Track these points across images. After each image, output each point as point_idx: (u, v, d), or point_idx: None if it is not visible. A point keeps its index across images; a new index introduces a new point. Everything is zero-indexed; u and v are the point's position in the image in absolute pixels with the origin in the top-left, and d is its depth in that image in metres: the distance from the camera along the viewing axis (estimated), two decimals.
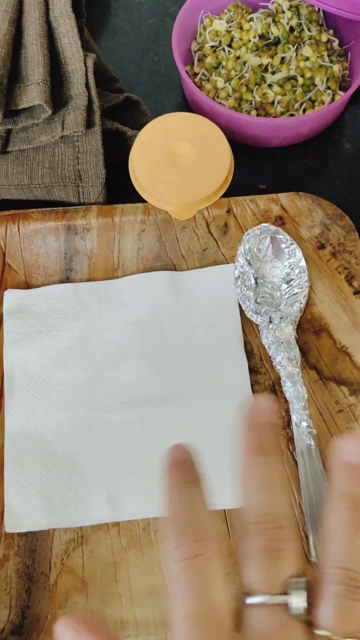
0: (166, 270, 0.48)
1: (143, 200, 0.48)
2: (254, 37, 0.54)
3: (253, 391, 0.44)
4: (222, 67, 0.55)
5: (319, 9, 0.56)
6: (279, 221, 0.48)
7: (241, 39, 0.54)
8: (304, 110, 0.53)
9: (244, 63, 0.54)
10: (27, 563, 0.40)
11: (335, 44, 0.56)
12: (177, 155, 0.47)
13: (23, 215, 0.48)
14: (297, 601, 0.26)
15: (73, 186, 0.48)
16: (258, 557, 0.27)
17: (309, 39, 0.55)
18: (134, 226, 0.48)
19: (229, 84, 0.53)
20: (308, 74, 0.53)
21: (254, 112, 0.53)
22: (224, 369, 0.45)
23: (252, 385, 0.44)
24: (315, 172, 0.54)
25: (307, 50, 0.53)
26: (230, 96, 0.53)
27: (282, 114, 0.53)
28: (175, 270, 0.48)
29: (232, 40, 0.55)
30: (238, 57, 0.54)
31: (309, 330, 0.46)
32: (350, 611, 0.26)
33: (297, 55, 0.54)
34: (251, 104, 0.53)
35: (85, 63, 0.47)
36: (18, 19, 0.47)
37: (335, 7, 0.51)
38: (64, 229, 0.48)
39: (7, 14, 0.46)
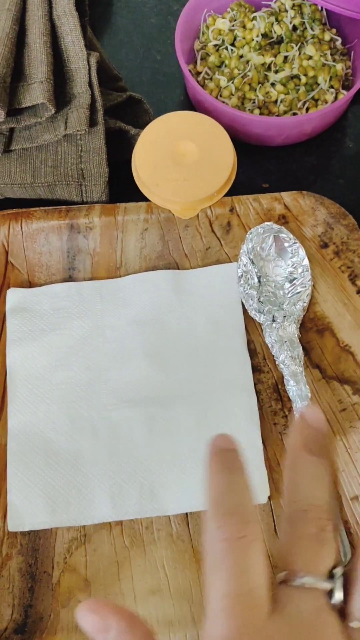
0: (169, 269, 0.48)
1: (146, 199, 0.48)
2: (257, 36, 0.54)
3: (256, 390, 0.44)
4: (225, 65, 0.54)
5: (321, 7, 0.56)
6: (282, 220, 0.48)
7: (244, 38, 0.54)
8: (307, 109, 0.53)
9: (247, 62, 0.54)
10: (30, 562, 0.40)
11: (338, 42, 0.56)
12: (180, 154, 0.47)
13: (26, 214, 0.48)
14: (339, 589, 0.27)
15: (76, 185, 0.48)
16: (306, 541, 0.28)
17: (312, 37, 0.55)
18: (137, 225, 0.48)
19: (232, 82, 0.53)
20: (311, 73, 0.53)
21: (257, 111, 0.53)
22: (226, 368, 0.45)
23: (255, 384, 0.44)
24: (319, 171, 0.54)
25: (310, 49, 0.53)
26: (233, 95, 0.53)
27: (285, 112, 0.53)
28: (178, 269, 0.48)
29: (235, 39, 0.55)
30: (241, 56, 0.54)
31: (312, 329, 0.46)
32: None
33: (300, 54, 0.54)
34: (254, 102, 0.53)
35: (88, 61, 0.47)
36: (21, 18, 0.47)
37: (338, 6, 0.51)
38: (66, 227, 0.48)
39: (11, 13, 0.46)
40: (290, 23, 0.55)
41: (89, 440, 0.42)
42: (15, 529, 0.40)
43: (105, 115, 0.49)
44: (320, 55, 0.53)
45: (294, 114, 0.53)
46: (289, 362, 0.43)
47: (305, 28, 0.55)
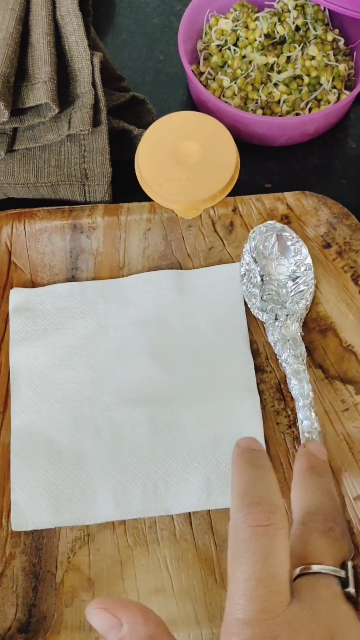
0: (172, 269, 0.48)
1: (149, 199, 0.48)
2: (260, 36, 0.54)
3: (259, 390, 0.44)
4: (228, 66, 0.55)
5: (324, 8, 0.56)
6: (285, 220, 0.48)
7: (247, 38, 0.54)
8: (310, 110, 0.53)
9: (250, 62, 0.54)
10: (34, 561, 0.40)
11: (341, 43, 0.56)
12: (183, 154, 0.47)
13: (29, 214, 0.48)
14: (352, 578, 0.29)
15: (79, 185, 0.48)
16: (318, 537, 0.30)
17: (315, 38, 0.55)
18: (140, 225, 0.48)
19: (235, 83, 0.53)
20: (314, 73, 0.53)
21: (259, 111, 0.53)
22: (229, 368, 0.45)
23: (257, 383, 0.45)
24: (321, 171, 0.54)
25: (312, 50, 0.53)
26: (236, 95, 0.53)
27: (287, 113, 0.53)
28: (181, 269, 0.49)
29: (237, 39, 0.55)
30: (244, 56, 0.54)
31: (315, 329, 0.46)
32: None
33: (302, 54, 0.54)
34: (257, 103, 0.53)
35: (91, 62, 0.47)
36: (25, 18, 0.47)
37: (341, 6, 0.51)
38: (69, 227, 0.48)
39: (15, 13, 0.46)
40: (293, 23, 0.55)
41: (92, 439, 0.43)
42: (18, 528, 0.40)
43: (108, 115, 0.49)
44: (323, 56, 0.53)
45: (297, 114, 0.53)
46: (292, 361, 0.44)
47: (308, 28, 0.55)
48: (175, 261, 0.49)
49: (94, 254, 0.48)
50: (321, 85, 0.53)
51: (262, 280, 0.47)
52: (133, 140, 0.50)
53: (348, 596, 0.29)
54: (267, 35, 0.54)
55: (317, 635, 0.26)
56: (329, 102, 0.53)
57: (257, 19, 0.55)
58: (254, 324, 0.47)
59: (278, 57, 0.54)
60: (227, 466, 0.41)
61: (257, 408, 0.43)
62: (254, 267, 0.47)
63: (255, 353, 0.46)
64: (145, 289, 0.47)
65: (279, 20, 0.55)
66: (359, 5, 0.51)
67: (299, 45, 0.54)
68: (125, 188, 0.49)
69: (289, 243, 0.47)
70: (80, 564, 0.40)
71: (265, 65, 0.54)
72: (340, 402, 0.43)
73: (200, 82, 0.55)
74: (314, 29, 0.55)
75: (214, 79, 0.55)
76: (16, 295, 0.47)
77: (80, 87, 0.47)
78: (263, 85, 0.53)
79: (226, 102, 0.53)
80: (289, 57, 0.54)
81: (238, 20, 0.55)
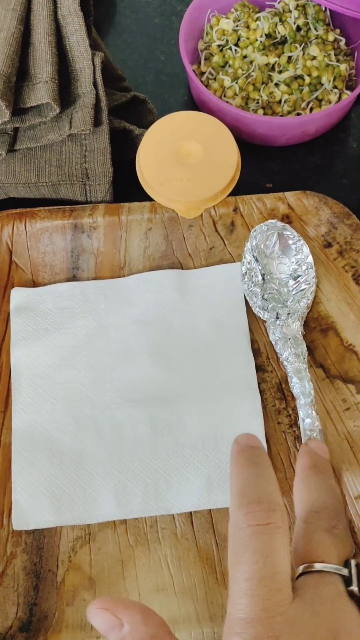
0: (173, 268, 0.48)
1: (150, 199, 0.48)
2: (261, 36, 0.54)
3: (260, 389, 0.44)
4: (229, 66, 0.55)
5: (325, 8, 0.56)
6: (286, 220, 0.48)
7: (248, 38, 0.54)
8: (311, 109, 0.53)
9: (251, 62, 0.54)
10: (35, 560, 0.40)
11: (342, 43, 0.56)
12: (184, 154, 0.47)
13: (30, 214, 0.48)
14: (355, 577, 0.29)
15: (80, 184, 0.48)
16: (321, 535, 0.30)
17: (316, 38, 0.55)
18: (141, 225, 0.48)
19: (236, 82, 0.53)
20: (315, 73, 0.53)
21: (260, 111, 0.53)
22: (230, 367, 0.45)
23: (259, 383, 0.45)
24: (322, 170, 0.54)
25: (313, 50, 0.53)
26: (237, 95, 0.53)
27: (288, 112, 0.53)
28: (182, 268, 0.49)
29: (238, 39, 0.55)
30: (245, 56, 0.54)
31: (316, 328, 0.46)
32: None
33: (303, 54, 0.54)
34: (258, 102, 0.53)
35: (93, 61, 0.47)
36: (26, 18, 0.47)
37: (342, 6, 0.51)
38: (70, 227, 0.48)
39: (16, 13, 0.46)
40: (294, 23, 0.55)
41: (93, 439, 0.43)
42: (20, 527, 0.40)
43: (110, 115, 0.49)
44: (324, 56, 0.53)
45: (298, 114, 0.53)
46: (293, 359, 0.44)
47: (309, 28, 0.55)
48: (176, 261, 0.49)
49: (95, 253, 0.48)
50: (322, 85, 0.53)
51: (263, 279, 0.47)
52: (134, 140, 0.50)
53: (351, 594, 0.28)
54: (268, 35, 0.54)
55: (320, 633, 0.26)
56: (330, 102, 0.53)
57: (258, 19, 0.55)
58: (255, 324, 0.47)
59: (279, 57, 0.54)
60: (228, 465, 0.41)
61: (258, 407, 0.43)
62: (255, 266, 0.47)
63: (256, 352, 0.46)
64: (146, 288, 0.47)
65: (280, 20, 0.55)
66: (359, 5, 0.51)
67: (300, 45, 0.54)
68: (127, 188, 0.49)
69: (290, 242, 0.47)
70: (81, 563, 0.40)
71: (267, 65, 0.54)
72: (341, 401, 0.43)
73: (202, 82, 0.55)
74: (315, 29, 0.55)
75: (215, 79, 0.55)
76: (17, 295, 0.47)
77: (82, 87, 0.47)
78: (264, 85, 0.53)
79: (227, 102, 0.53)
80: (290, 57, 0.54)
81: (239, 20, 0.55)
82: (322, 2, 0.52)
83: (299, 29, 0.55)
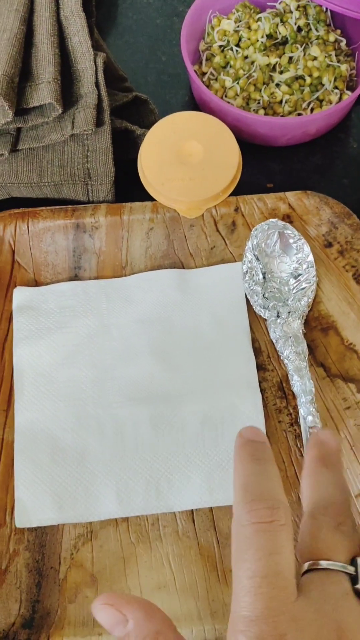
0: (174, 268, 0.49)
1: (151, 199, 0.48)
2: (262, 37, 0.54)
3: (260, 388, 0.44)
4: (230, 66, 0.55)
5: (326, 9, 0.56)
6: (287, 219, 0.48)
7: (249, 39, 0.55)
8: (312, 110, 0.53)
9: (252, 62, 0.54)
10: (37, 558, 0.40)
11: (343, 43, 0.56)
12: (185, 154, 0.47)
13: (32, 214, 0.48)
14: None
15: (82, 184, 0.49)
16: (328, 532, 0.29)
17: (317, 38, 0.55)
18: (143, 224, 0.48)
19: (237, 83, 0.54)
20: (316, 74, 0.53)
21: (261, 111, 0.53)
22: (231, 366, 0.45)
23: (260, 382, 0.45)
24: (323, 171, 0.54)
25: (314, 50, 0.54)
26: (238, 95, 0.54)
27: (289, 113, 0.53)
28: (183, 268, 0.49)
29: (240, 39, 0.55)
30: (246, 57, 0.55)
31: (317, 327, 0.46)
32: None
33: (304, 54, 0.54)
34: (259, 103, 0.53)
35: (95, 62, 0.47)
36: (29, 18, 0.48)
37: (343, 7, 0.52)
38: (72, 227, 0.48)
39: (19, 13, 0.46)
40: (295, 24, 0.55)
41: (95, 437, 0.43)
42: (22, 525, 0.40)
43: (111, 116, 0.49)
44: (325, 56, 0.54)
45: (299, 114, 0.53)
46: (294, 358, 0.44)
47: (310, 29, 0.55)
48: (178, 260, 0.49)
49: (97, 253, 0.49)
50: (323, 85, 0.54)
51: (264, 277, 0.47)
52: (136, 140, 0.50)
53: (357, 593, 0.28)
54: (269, 36, 0.55)
55: (325, 632, 0.26)
56: (330, 103, 0.53)
57: (259, 19, 0.55)
58: (256, 323, 0.47)
59: (280, 57, 0.54)
60: (229, 464, 0.42)
61: (259, 406, 0.44)
62: (256, 264, 0.47)
63: (257, 351, 0.46)
64: (148, 288, 0.48)
65: (281, 21, 0.55)
66: None
67: (301, 46, 0.54)
68: (128, 188, 0.50)
69: (291, 241, 0.47)
70: (83, 561, 0.40)
71: (268, 65, 0.54)
72: (341, 400, 0.44)
73: (203, 82, 0.55)
74: (316, 29, 0.55)
75: (216, 79, 0.55)
76: (19, 294, 0.47)
77: (84, 88, 0.47)
78: (265, 85, 0.54)
79: (228, 103, 0.53)
80: (291, 58, 0.54)
81: (240, 21, 0.56)
82: (323, 3, 0.52)
83: (299, 29, 0.55)
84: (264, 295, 0.46)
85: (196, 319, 0.47)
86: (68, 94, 0.47)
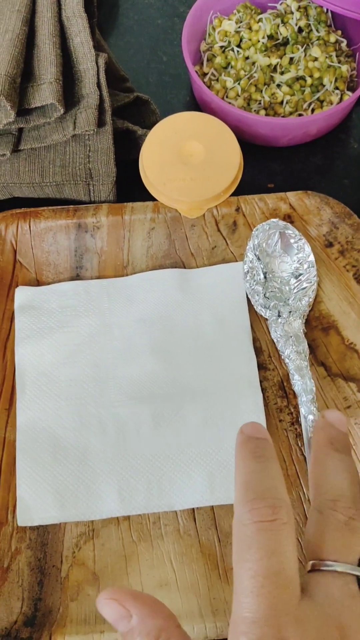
0: (175, 268, 0.49)
1: (153, 199, 0.48)
2: (263, 38, 0.54)
3: (261, 387, 0.45)
4: (231, 67, 0.55)
5: (327, 9, 0.56)
6: (288, 220, 0.49)
7: (250, 40, 0.55)
8: (313, 110, 0.54)
9: (253, 63, 0.54)
10: (39, 556, 0.40)
11: (344, 44, 0.56)
12: (187, 154, 0.47)
13: (34, 214, 0.48)
14: None
15: (84, 184, 0.49)
16: (336, 529, 0.28)
17: (318, 39, 0.55)
18: (144, 224, 0.49)
19: (238, 83, 0.54)
20: (316, 74, 0.54)
21: (262, 112, 0.53)
22: (232, 365, 0.45)
23: (260, 381, 0.45)
24: (323, 171, 0.55)
25: (315, 51, 0.54)
26: (239, 96, 0.54)
27: (290, 113, 0.53)
28: (184, 268, 0.49)
29: (241, 40, 0.55)
30: (247, 58, 0.55)
31: (317, 327, 0.46)
32: None
33: (305, 55, 0.54)
34: (260, 103, 0.54)
35: (96, 62, 0.47)
36: (31, 19, 0.48)
37: (344, 8, 0.52)
38: (74, 226, 0.48)
39: (21, 14, 0.47)
40: (296, 25, 0.55)
41: (97, 436, 0.43)
42: (24, 523, 0.41)
43: (113, 116, 0.49)
44: (326, 57, 0.54)
45: (300, 115, 0.53)
46: (294, 357, 0.44)
47: (311, 30, 0.55)
48: (179, 260, 0.49)
49: (99, 252, 0.49)
50: (324, 86, 0.54)
51: (265, 277, 0.47)
52: (137, 140, 0.50)
53: None
54: (270, 37, 0.55)
55: (329, 637, 0.25)
56: (331, 103, 0.54)
57: (260, 20, 0.55)
58: (257, 323, 0.47)
59: (281, 58, 0.54)
60: (231, 463, 0.42)
61: (259, 405, 0.44)
62: (257, 264, 0.47)
63: (258, 351, 0.46)
64: (149, 287, 0.48)
65: (282, 21, 0.55)
66: None
67: (302, 47, 0.55)
68: (130, 188, 0.50)
69: (292, 240, 0.47)
70: (85, 559, 0.40)
71: (269, 66, 0.54)
72: (342, 399, 0.44)
73: (204, 83, 0.55)
74: (317, 30, 0.56)
75: (217, 79, 0.55)
76: (21, 294, 0.47)
77: (86, 88, 0.47)
78: (266, 86, 0.54)
79: (229, 103, 0.53)
80: (291, 59, 0.54)
81: (241, 22, 0.56)
82: (324, 4, 0.52)
83: (300, 30, 0.56)
84: (265, 294, 0.47)
85: (197, 319, 0.47)
86: (70, 95, 0.48)
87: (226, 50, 0.56)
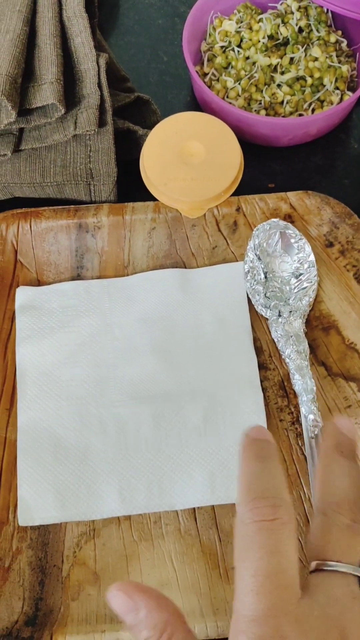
0: (176, 267, 0.49)
1: (154, 199, 0.48)
2: (264, 38, 0.55)
3: (262, 387, 0.45)
4: (232, 67, 0.55)
5: (327, 10, 0.56)
6: (288, 219, 0.49)
7: (250, 40, 0.55)
8: (313, 110, 0.54)
9: (254, 63, 0.54)
10: (40, 556, 0.40)
11: (344, 44, 0.56)
12: (187, 154, 0.47)
13: (35, 214, 0.48)
14: None
15: (85, 184, 0.49)
16: (340, 531, 0.28)
17: (318, 39, 0.55)
18: (145, 224, 0.49)
19: (239, 83, 0.54)
20: (317, 74, 0.54)
21: (263, 112, 0.54)
22: (233, 365, 0.45)
23: (261, 381, 0.45)
24: (324, 171, 0.55)
25: (315, 51, 0.54)
26: (239, 96, 0.54)
27: (291, 113, 0.53)
28: (185, 268, 0.49)
29: (241, 40, 0.55)
30: (247, 58, 0.55)
31: (318, 327, 0.46)
32: None
33: (306, 55, 0.54)
34: (260, 103, 0.54)
35: (97, 62, 0.48)
36: (32, 19, 0.48)
37: (344, 8, 0.52)
38: (75, 226, 0.48)
39: (22, 14, 0.47)
40: (296, 25, 0.55)
41: (98, 436, 0.43)
42: (25, 523, 0.41)
43: (114, 116, 0.49)
44: (326, 57, 0.54)
45: (300, 115, 0.54)
46: (295, 357, 0.44)
47: (311, 30, 0.55)
48: (180, 260, 0.49)
49: (99, 252, 0.49)
50: (324, 86, 0.54)
51: (265, 277, 0.47)
52: (138, 140, 0.50)
53: None
54: (271, 37, 0.55)
55: (329, 636, 0.25)
56: (331, 103, 0.54)
57: (260, 20, 0.55)
58: (257, 322, 0.47)
59: (281, 58, 0.54)
60: (231, 462, 0.42)
61: (260, 405, 0.44)
62: (258, 264, 0.47)
63: (258, 351, 0.46)
64: (150, 287, 0.48)
65: (283, 21, 0.55)
66: None
67: (302, 47, 0.55)
68: (130, 188, 0.50)
69: (292, 240, 0.47)
70: (86, 559, 0.40)
71: (269, 66, 0.54)
72: (343, 399, 0.44)
73: (205, 83, 0.55)
74: (317, 30, 0.56)
75: (217, 80, 0.55)
76: (22, 294, 0.48)
77: (86, 88, 0.47)
78: (266, 86, 0.54)
79: (230, 103, 0.53)
80: (292, 59, 0.54)
81: (242, 22, 0.56)
82: (324, 4, 0.52)
83: (301, 30, 0.56)
84: (265, 294, 0.47)
85: (198, 318, 0.47)
86: (71, 95, 0.48)
87: (227, 50, 0.56)
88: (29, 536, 0.41)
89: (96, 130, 0.47)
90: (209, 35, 0.57)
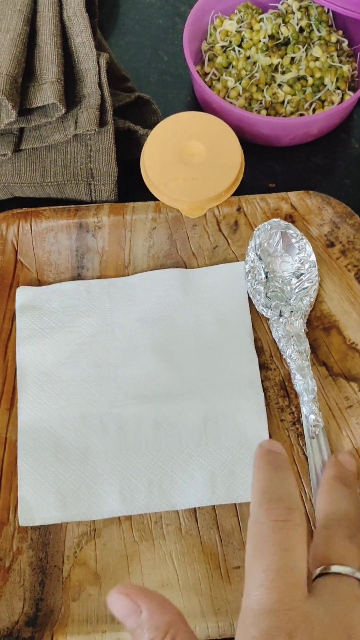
0: (177, 267, 0.49)
1: (154, 199, 0.48)
2: (264, 38, 0.54)
3: (263, 387, 0.45)
4: (233, 67, 0.55)
5: (328, 9, 0.56)
6: (289, 219, 0.49)
7: (251, 39, 0.55)
8: (314, 110, 0.54)
9: (254, 63, 0.54)
10: (41, 556, 0.40)
11: (345, 44, 0.56)
12: (188, 154, 0.47)
13: (35, 213, 0.48)
14: None
15: (85, 184, 0.49)
16: (341, 540, 0.30)
17: (319, 39, 0.55)
18: (145, 224, 0.49)
19: (240, 83, 0.54)
20: (318, 74, 0.54)
21: (264, 112, 0.53)
22: (234, 365, 0.45)
23: (262, 381, 0.45)
24: (325, 171, 0.55)
25: (316, 51, 0.54)
26: (240, 96, 0.54)
27: (291, 113, 0.53)
28: (186, 267, 0.49)
29: (242, 40, 0.55)
30: (248, 57, 0.55)
31: (319, 327, 0.46)
32: None
33: (306, 55, 0.54)
34: (261, 103, 0.54)
35: (98, 62, 0.47)
36: (32, 19, 0.48)
37: (345, 8, 0.52)
38: (75, 226, 0.48)
39: (22, 14, 0.47)
40: (297, 25, 0.55)
41: (98, 436, 0.43)
42: (26, 523, 0.41)
43: (114, 116, 0.49)
44: (327, 57, 0.54)
45: (301, 114, 0.53)
46: (296, 357, 0.44)
47: (312, 30, 0.55)
48: (180, 260, 0.49)
49: (100, 252, 0.49)
50: (325, 86, 0.54)
51: (266, 277, 0.47)
52: (138, 140, 0.50)
53: None
54: (272, 37, 0.55)
55: (334, 633, 0.26)
56: (332, 103, 0.54)
57: (261, 20, 0.55)
58: (258, 322, 0.47)
59: (282, 58, 0.54)
60: (232, 462, 0.42)
61: (261, 405, 0.44)
62: (259, 264, 0.47)
63: (259, 351, 0.46)
64: (151, 287, 0.48)
65: (283, 21, 0.55)
66: None
67: (303, 47, 0.55)
68: (131, 187, 0.50)
69: (293, 240, 0.47)
70: (86, 559, 0.40)
71: (270, 66, 0.54)
72: (344, 399, 0.44)
73: (205, 82, 0.55)
74: (318, 30, 0.56)
75: (218, 79, 0.55)
76: (22, 294, 0.47)
77: (87, 88, 0.47)
78: (267, 86, 0.54)
79: (231, 103, 0.53)
80: (293, 58, 0.54)
81: (242, 22, 0.56)
82: (325, 4, 0.52)
83: (302, 30, 0.56)
84: (266, 294, 0.47)
85: (199, 318, 0.47)
86: (71, 94, 0.48)
87: (227, 50, 0.56)
88: (30, 536, 0.41)
89: (97, 130, 0.47)
90: (210, 35, 0.57)
